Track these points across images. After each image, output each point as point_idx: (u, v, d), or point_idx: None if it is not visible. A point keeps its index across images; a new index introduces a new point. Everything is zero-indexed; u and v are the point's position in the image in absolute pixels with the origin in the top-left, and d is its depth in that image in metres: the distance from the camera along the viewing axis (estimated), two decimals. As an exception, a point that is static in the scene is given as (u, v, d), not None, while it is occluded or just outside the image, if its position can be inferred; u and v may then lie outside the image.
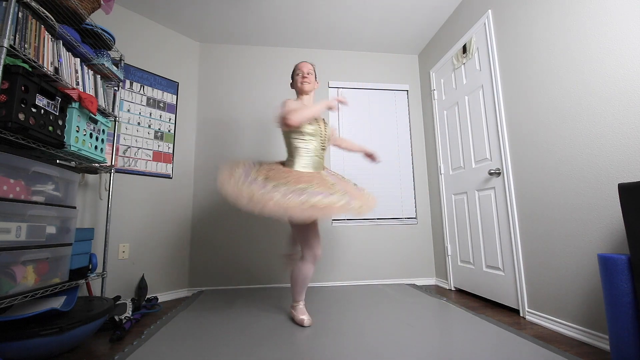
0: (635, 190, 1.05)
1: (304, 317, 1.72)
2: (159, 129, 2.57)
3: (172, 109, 2.68)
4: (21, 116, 1.24)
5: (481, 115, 2.25)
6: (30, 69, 1.29)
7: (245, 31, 2.84)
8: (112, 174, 2.03)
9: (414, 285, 2.71)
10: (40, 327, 1.24)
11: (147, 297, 2.30)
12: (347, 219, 2.90)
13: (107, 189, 2.07)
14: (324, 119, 1.88)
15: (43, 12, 1.43)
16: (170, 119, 2.65)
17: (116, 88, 2.06)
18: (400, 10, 2.59)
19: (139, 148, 2.43)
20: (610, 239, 1.37)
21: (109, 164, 2.10)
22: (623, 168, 1.32)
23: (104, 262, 1.92)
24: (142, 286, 2.26)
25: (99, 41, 1.88)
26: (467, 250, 2.42)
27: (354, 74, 3.16)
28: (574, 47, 1.55)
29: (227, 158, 2.84)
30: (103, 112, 1.91)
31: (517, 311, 1.94)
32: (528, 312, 1.81)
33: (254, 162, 1.76)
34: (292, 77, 1.91)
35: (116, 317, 1.74)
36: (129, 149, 2.36)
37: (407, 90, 3.21)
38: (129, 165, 2.36)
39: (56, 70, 1.49)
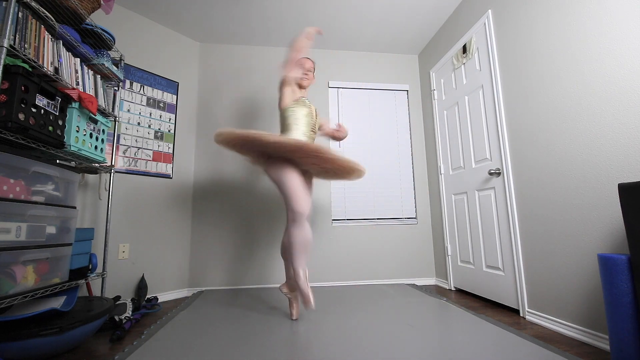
0: (635, 190, 1.05)
1: (310, 293, 1.60)
2: (159, 129, 2.57)
3: (172, 109, 2.68)
4: (21, 116, 1.24)
5: (481, 115, 2.25)
6: (30, 69, 1.29)
7: (246, 31, 2.84)
8: (112, 174, 2.03)
9: (414, 285, 2.71)
10: (40, 327, 1.24)
11: (147, 297, 2.30)
12: (347, 219, 2.91)
13: (107, 189, 2.07)
14: (315, 109, 1.99)
15: (43, 12, 1.43)
16: (170, 119, 2.65)
17: (116, 88, 2.06)
18: (401, 10, 2.59)
19: (139, 148, 2.43)
20: (610, 239, 1.37)
21: (109, 164, 2.10)
22: (623, 168, 1.32)
23: (104, 262, 1.92)
24: (142, 286, 2.26)
25: (99, 41, 1.88)
26: (467, 250, 2.42)
27: (354, 74, 3.16)
28: (574, 47, 1.55)
29: (227, 158, 2.84)
30: (103, 112, 1.91)
31: (517, 311, 1.94)
32: (528, 312, 1.81)
33: None
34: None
35: (116, 317, 1.74)
36: (129, 149, 2.36)
37: (407, 90, 3.21)
38: (129, 165, 2.36)
39: (56, 70, 1.49)
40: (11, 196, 1.21)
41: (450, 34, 2.66)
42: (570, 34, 1.57)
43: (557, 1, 1.64)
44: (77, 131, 1.59)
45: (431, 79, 2.95)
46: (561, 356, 1.27)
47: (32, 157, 1.32)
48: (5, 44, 1.20)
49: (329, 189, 2.93)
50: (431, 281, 2.91)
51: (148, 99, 2.53)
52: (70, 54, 1.62)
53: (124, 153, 2.33)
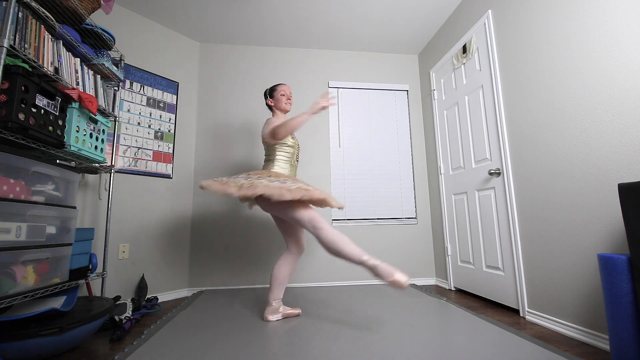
0: (635, 190, 1.05)
1: (273, 317, 1.81)
2: (159, 129, 2.57)
3: (172, 109, 2.68)
4: (21, 116, 1.24)
5: (481, 115, 2.25)
6: (30, 69, 1.29)
7: (246, 31, 2.84)
8: (112, 174, 2.03)
9: (414, 285, 2.71)
10: (40, 327, 1.24)
11: (147, 297, 2.30)
12: (347, 219, 2.91)
13: (107, 189, 2.07)
14: (297, 141, 2.03)
15: (43, 12, 1.43)
16: (170, 119, 2.65)
17: (116, 88, 2.06)
18: (400, 10, 2.59)
19: (139, 148, 2.43)
20: (610, 239, 1.37)
21: (109, 164, 2.10)
22: (623, 168, 1.32)
23: (104, 262, 1.92)
24: (142, 286, 2.26)
25: (99, 41, 1.88)
26: (467, 250, 2.42)
27: (354, 74, 3.16)
28: (574, 47, 1.55)
29: (227, 158, 2.84)
30: (103, 112, 1.91)
31: (517, 311, 1.94)
32: (528, 312, 1.81)
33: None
34: (272, 95, 2.01)
35: (116, 317, 1.74)
36: (129, 149, 2.36)
37: (407, 90, 3.21)
38: (129, 165, 2.36)
39: (56, 70, 1.49)
40: (11, 196, 1.21)
41: (450, 34, 2.66)
42: (571, 33, 1.57)
43: (557, 1, 1.64)
44: (77, 131, 1.59)
45: (431, 79, 2.95)
46: (561, 356, 1.27)
47: (32, 157, 1.32)
48: (5, 44, 1.20)
49: (329, 189, 2.93)
50: (431, 281, 2.91)
51: (148, 99, 2.53)
52: (70, 54, 1.62)
53: (124, 153, 2.33)
